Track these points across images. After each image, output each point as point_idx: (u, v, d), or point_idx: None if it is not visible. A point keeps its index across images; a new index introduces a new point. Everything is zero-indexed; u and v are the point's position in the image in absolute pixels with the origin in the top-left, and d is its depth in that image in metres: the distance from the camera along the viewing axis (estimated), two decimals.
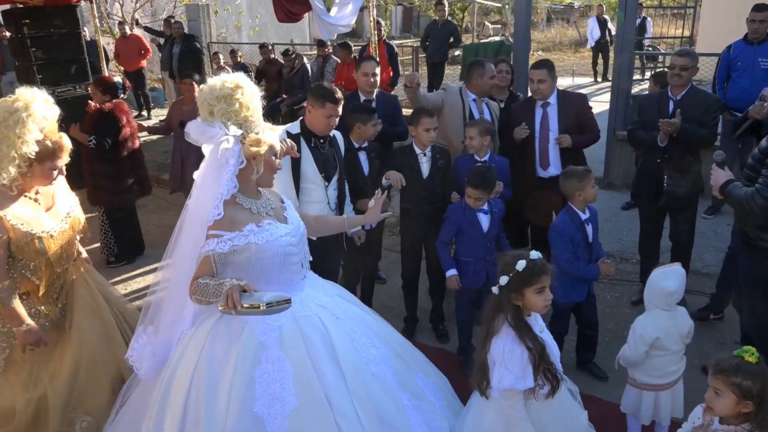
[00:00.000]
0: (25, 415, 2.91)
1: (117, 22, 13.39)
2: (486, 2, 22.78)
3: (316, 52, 10.34)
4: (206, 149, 2.55)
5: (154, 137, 9.46)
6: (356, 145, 4.28)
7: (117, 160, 5.57)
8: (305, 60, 10.09)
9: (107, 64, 9.43)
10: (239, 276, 2.48)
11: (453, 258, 4.05)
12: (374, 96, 4.89)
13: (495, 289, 2.59)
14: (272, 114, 9.04)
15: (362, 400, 2.54)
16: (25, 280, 2.89)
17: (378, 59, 5.55)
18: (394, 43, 10.29)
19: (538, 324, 2.63)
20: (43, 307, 3.01)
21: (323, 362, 2.54)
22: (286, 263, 2.63)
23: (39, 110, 2.74)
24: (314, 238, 3.15)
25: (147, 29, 12.64)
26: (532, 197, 4.72)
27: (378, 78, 4.86)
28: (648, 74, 12.96)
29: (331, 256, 3.85)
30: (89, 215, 3.37)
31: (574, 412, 2.75)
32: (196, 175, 2.60)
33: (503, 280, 2.53)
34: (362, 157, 4.32)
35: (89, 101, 5.74)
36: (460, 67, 12.00)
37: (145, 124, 7.23)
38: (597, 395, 3.68)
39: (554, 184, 4.55)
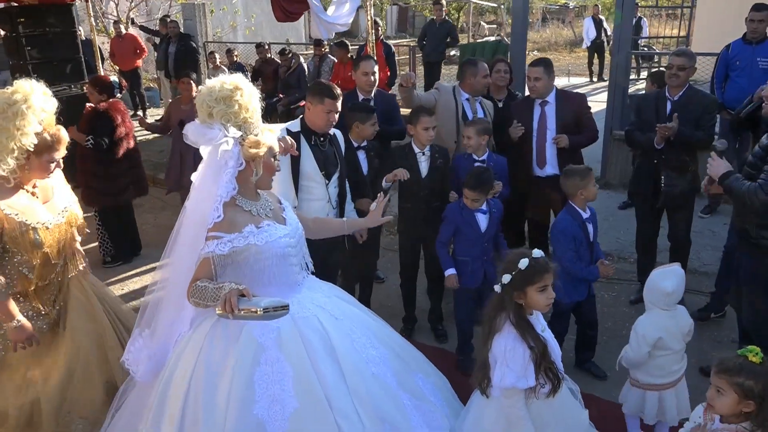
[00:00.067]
0: (17, 419, 2.88)
1: (112, 21, 13.35)
2: (481, 2, 22.81)
3: (311, 51, 10.34)
4: (204, 151, 2.54)
5: (150, 136, 9.42)
6: (355, 144, 4.28)
7: (112, 159, 5.54)
8: (302, 59, 10.08)
9: (102, 63, 9.40)
10: (238, 277, 2.47)
11: (451, 257, 4.04)
12: (372, 95, 4.88)
13: (497, 288, 2.58)
14: (269, 113, 9.03)
15: (363, 401, 2.53)
16: (21, 277, 2.87)
17: (375, 59, 5.54)
18: (389, 42, 10.27)
19: (539, 323, 2.63)
20: (41, 308, 2.98)
21: (323, 363, 2.53)
22: (285, 264, 2.62)
23: (38, 102, 2.73)
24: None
25: (143, 28, 12.60)
26: (530, 196, 4.73)
27: (377, 77, 4.85)
28: (643, 74, 13.01)
29: (332, 254, 3.83)
30: (87, 215, 3.34)
31: (574, 411, 2.74)
32: (194, 177, 2.59)
33: (506, 278, 2.52)
34: (361, 156, 4.31)
35: (87, 104, 5.70)
36: (457, 66, 11.99)
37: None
38: (596, 394, 3.69)
39: (551, 184, 4.57)
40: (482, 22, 25.28)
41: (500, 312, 2.56)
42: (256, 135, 2.56)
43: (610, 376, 3.84)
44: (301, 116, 3.83)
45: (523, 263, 2.48)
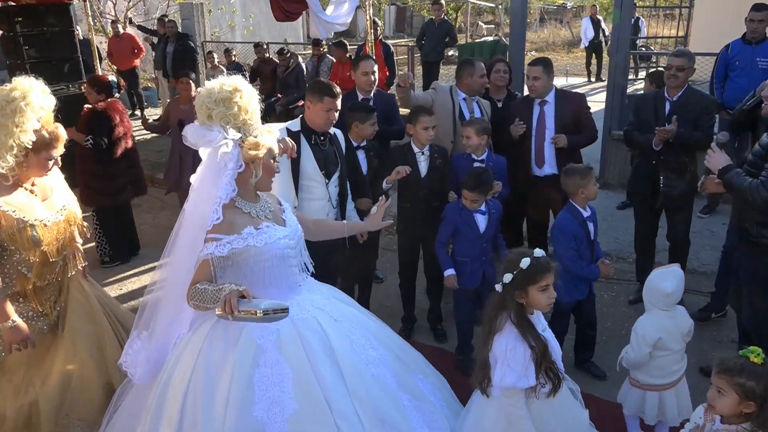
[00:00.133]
0: (15, 421, 2.87)
1: (110, 20, 13.32)
2: (479, 2, 22.82)
3: (309, 51, 10.33)
4: (203, 153, 2.53)
5: (149, 136, 9.41)
6: (354, 144, 4.28)
7: (111, 159, 5.53)
8: (300, 59, 10.07)
9: (100, 63, 9.38)
10: (238, 279, 2.46)
11: (450, 258, 4.04)
12: (372, 95, 4.88)
13: (498, 287, 2.58)
14: (267, 113, 9.01)
15: (363, 402, 2.53)
16: (20, 276, 2.85)
17: (374, 58, 5.54)
18: (387, 42, 10.27)
19: (540, 322, 2.63)
20: (41, 308, 2.97)
21: (322, 365, 2.52)
22: (284, 266, 2.62)
23: (36, 99, 2.72)
24: None
25: (141, 28, 12.58)
26: (529, 196, 4.72)
27: (377, 77, 4.85)
28: (641, 74, 13.04)
29: (332, 255, 3.83)
30: (84, 215, 3.33)
31: (575, 411, 2.74)
32: (192, 179, 2.58)
33: (507, 277, 2.52)
34: (360, 155, 4.31)
35: (86, 105, 5.68)
36: (455, 66, 11.99)
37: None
38: (595, 394, 3.69)
39: (550, 183, 4.57)
40: (480, 22, 25.29)
41: (501, 311, 2.56)
42: (255, 137, 2.55)
43: (609, 376, 3.84)
44: (301, 115, 3.83)
45: (525, 262, 2.48)
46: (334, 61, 9.30)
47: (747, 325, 3.59)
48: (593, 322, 3.95)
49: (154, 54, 11.85)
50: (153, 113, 12.26)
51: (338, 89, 3.75)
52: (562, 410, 2.63)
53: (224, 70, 10.11)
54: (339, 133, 3.97)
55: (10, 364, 2.89)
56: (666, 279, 3.07)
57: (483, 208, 3.92)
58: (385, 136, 4.82)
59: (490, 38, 16.96)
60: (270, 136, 2.64)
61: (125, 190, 5.73)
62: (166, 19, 11.14)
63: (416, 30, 24.33)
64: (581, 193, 3.69)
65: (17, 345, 2.79)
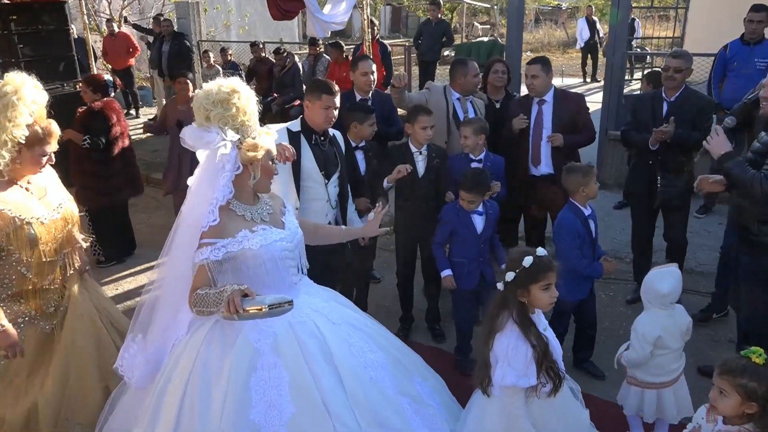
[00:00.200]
0: (15, 424, 2.84)
1: (105, 19, 13.26)
2: (474, 3, 22.83)
3: (305, 51, 10.31)
4: (201, 155, 2.52)
5: (144, 135, 9.37)
6: (353, 144, 4.26)
7: (108, 159, 5.50)
8: (296, 59, 10.05)
9: (95, 62, 9.33)
10: (237, 281, 2.44)
11: (447, 258, 4.03)
12: (370, 95, 4.87)
13: (500, 286, 2.57)
14: (263, 113, 8.97)
15: (361, 406, 2.52)
16: (20, 276, 2.82)
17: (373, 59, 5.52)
18: (384, 42, 10.27)
19: (541, 322, 2.62)
20: (44, 309, 2.94)
21: (319, 368, 2.51)
22: (281, 268, 2.60)
23: (29, 94, 2.69)
24: None
25: (136, 27, 12.53)
26: (527, 196, 4.72)
27: (375, 77, 4.84)
28: (636, 75, 13.07)
29: (333, 257, 3.82)
30: (79, 215, 3.31)
31: (575, 410, 2.74)
32: (190, 181, 2.57)
33: (509, 276, 2.51)
34: (359, 156, 4.30)
35: (82, 107, 5.65)
36: None
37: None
38: (594, 394, 3.68)
39: (546, 183, 4.57)
40: (476, 23, 25.32)
41: (503, 310, 2.55)
42: (253, 138, 2.54)
43: (608, 375, 3.84)
44: (301, 116, 3.81)
45: (528, 261, 2.47)
46: (331, 60, 9.28)
47: (746, 325, 3.60)
48: (594, 322, 3.95)
49: (149, 53, 11.81)
50: (148, 113, 12.22)
51: (336, 87, 3.74)
52: (563, 410, 2.63)
53: (220, 69, 10.09)
54: (338, 134, 3.96)
55: (13, 367, 2.87)
56: (663, 279, 3.08)
57: (480, 208, 3.91)
58: (383, 137, 4.81)
59: (486, 38, 17.00)
60: (268, 137, 2.63)
61: (122, 190, 5.71)
62: (162, 18, 11.11)
63: (411, 30, 24.36)
64: (582, 192, 3.69)
65: (4, 351, 2.75)
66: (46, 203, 2.91)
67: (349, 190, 4.06)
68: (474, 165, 4.27)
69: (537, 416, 2.56)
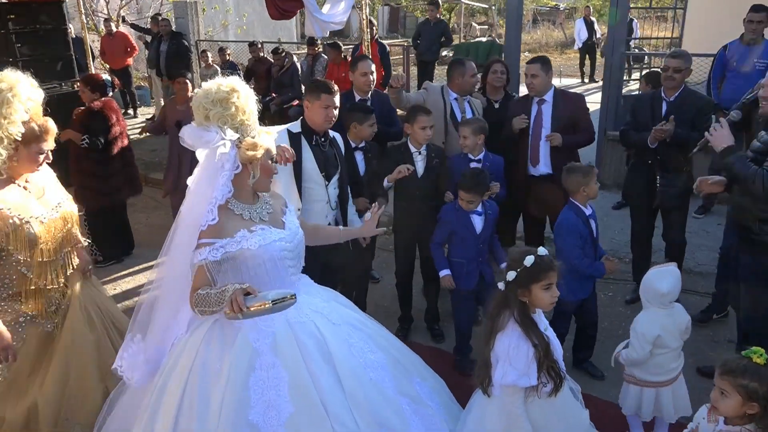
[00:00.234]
0: (15, 424, 2.83)
1: (102, 19, 13.24)
2: (472, 3, 22.84)
3: (303, 50, 10.30)
4: (201, 154, 2.51)
5: (142, 135, 9.34)
6: (353, 145, 4.26)
7: (107, 159, 5.49)
8: (295, 59, 10.03)
9: (93, 61, 9.30)
10: (237, 281, 2.44)
11: (446, 258, 4.03)
12: (369, 96, 4.87)
13: (501, 285, 2.57)
14: (261, 113, 8.95)
15: (360, 406, 2.51)
16: (20, 276, 2.81)
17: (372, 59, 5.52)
18: (383, 42, 10.26)
19: (542, 322, 2.62)
20: (46, 308, 2.92)
21: (318, 368, 2.50)
22: (281, 268, 2.60)
23: (24, 91, 2.69)
24: None
25: (134, 26, 12.51)
26: (525, 195, 4.71)
27: (374, 77, 4.84)
28: (634, 75, 13.08)
29: (335, 258, 3.81)
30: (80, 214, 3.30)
31: (576, 411, 2.74)
32: (189, 180, 2.56)
33: (510, 275, 2.51)
34: (359, 157, 4.29)
35: (80, 107, 5.63)
36: None
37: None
38: (593, 394, 3.68)
39: (545, 183, 4.57)
40: (473, 23, 25.33)
41: (504, 310, 2.54)
42: (253, 137, 2.53)
43: (607, 376, 3.84)
44: (301, 117, 3.81)
45: (529, 260, 2.47)
46: (329, 61, 9.27)
47: (745, 325, 3.60)
48: (595, 322, 3.95)
49: (147, 53, 11.78)
50: (146, 112, 12.20)
51: (335, 87, 3.74)
52: (563, 410, 2.62)
53: (218, 69, 10.07)
54: (338, 136, 3.95)
55: (14, 367, 2.85)
56: (663, 278, 3.08)
57: (479, 208, 3.91)
58: (383, 138, 4.80)
59: (484, 39, 17.01)
60: (268, 137, 2.62)
61: (121, 190, 5.70)
62: (160, 18, 11.09)
63: (409, 30, 24.37)
64: (583, 191, 3.68)
65: None
66: (45, 202, 2.90)
67: (349, 191, 4.05)
68: (473, 165, 4.26)
69: (538, 416, 2.55)
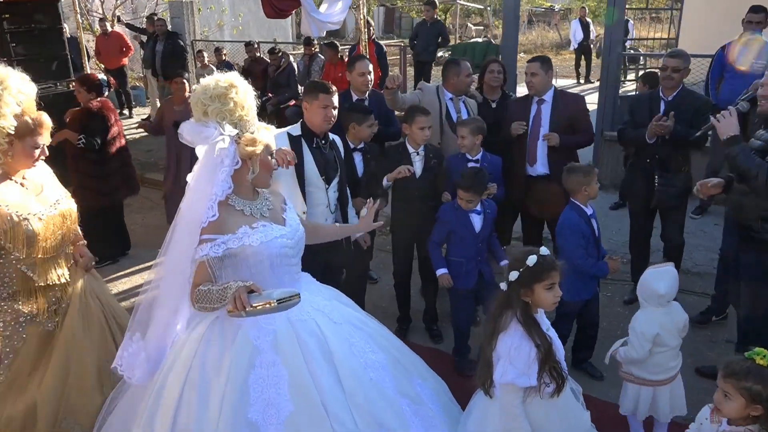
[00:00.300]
0: (14, 423, 2.80)
1: (97, 18, 13.19)
2: (468, 4, 22.86)
3: (299, 51, 10.28)
4: (200, 150, 2.49)
5: (137, 135, 9.33)
6: (352, 146, 4.24)
7: (104, 159, 5.46)
8: (291, 58, 10.01)
9: (88, 61, 9.26)
10: (236, 278, 2.43)
11: (444, 258, 4.02)
12: (367, 96, 4.85)
13: (503, 285, 2.55)
14: (258, 113, 8.93)
15: (359, 406, 2.50)
16: (20, 274, 2.78)
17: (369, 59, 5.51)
18: (380, 42, 10.26)
19: (544, 322, 2.61)
20: (47, 306, 2.90)
21: (319, 367, 2.49)
22: (282, 265, 2.58)
23: (14, 84, 2.66)
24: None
25: (129, 26, 12.46)
26: (527, 195, 4.71)
27: (372, 77, 4.82)
28: (630, 76, 13.12)
29: (335, 257, 3.80)
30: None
31: (577, 412, 2.72)
32: (189, 177, 2.54)
33: (513, 275, 2.50)
34: (357, 158, 4.28)
35: (75, 108, 5.59)
36: None
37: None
38: (593, 395, 3.67)
39: (543, 183, 4.56)
40: (469, 24, 25.35)
41: (506, 310, 2.53)
42: (252, 133, 2.52)
43: (606, 376, 3.84)
44: (301, 120, 3.79)
45: (532, 260, 2.46)
46: (326, 61, 9.25)
47: (745, 324, 3.60)
48: (596, 322, 3.95)
49: (142, 52, 11.74)
50: (141, 113, 12.16)
51: (333, 87, 3.72)
52: (565, 411, 2.61)
53: (214, 69, 10.01)
54: (338, 139, 3.94)
55: (15, 367, 2.83)
56: (660, 279, 3.07)
57: (478, 208, 3.91)
58: (381, 138, 4.79)
59: (481, 39, 17.03)
60: (267, 132, 2.61)
61: (119, 190, 5.68)
62: (156, 18, 11.04)
63: (405, 31, 24.38)
64: (584, 191, 3.68)
65: None
66: (43, 199, 2.88)
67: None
68: (471, 165, 4.25)
69: (539, 417, 2.54)
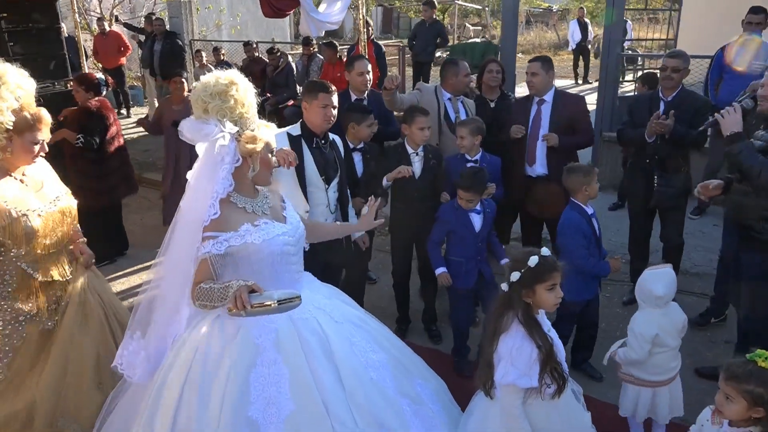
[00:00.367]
0: (12, 421, 2.79)
1: (95, 18, 13.16)
2: (466, 4, 22.85)
3: (297, 51, 10.27)
4: (200, 148, 2.49)
5: (135, 135, 9.31)
6: (351, 146, 4.23)
7: (102, 158, 5.45)
8: (290, 58, 10.00)
9: (86, 60, 9.24)
10: (237, 276, 2.42)
11: (444, 258, 4.02)
12: (365, 95, 4.84)
13: (504, 286, 2.55)
14: (257, 112, 8.93)
15: (360, 406, 2.50)
16: (20, 272, 2.77)
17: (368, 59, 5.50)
18: (379, 42, 10.25)
19: (545, 323, 2.61)
20: (47, 306, 2.89)
21: (320, 366, 2.49)
22: (283, 263, 2.58)
23: (13, 79, 2.66)
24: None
25: (127, 26, 12.44)
26: (526, 195, 4.70)
27: (371, 77, 4.82)
28: (628, 77, 13.12)
29: (335, 257, 3.79)
30: None
31: (577, 413, 2.72)
32: (189, 175, 2.53)
33: (514, 276, 2.49)
34: (357, 158, 4.27)
35: (73, 107, 5.57)
36: None
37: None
38: (592, 395, 3.66)
39: (542, 184, 4.56)
40: (467, 24, 25.36)
41: (507, 311, 2.53)
42: (252, 130, 2.52)
43: (605, 377, 3.83)
44: (301, 120, 3.78)
45: (533, 261, 2.46)
46: (325, 60, 9.24)
47: (745, 324, 3.60)
48: (596, 322, 3.95)
49: (140, 52, 11.72)
50: (139, 112, 12.13)
51: (333, 86, 3.72)
52: (565, 412, 2.61)
53: (212, 69, 10.00)
54: (338, 139, 3.93)
55: (14, 366, 2.83)
56: (658, 281, 3.07)
57: (478, 207, 3.90)
58: (380, 137, 4.78)
59: (479, 40, 17.03)
60: (267, 130, 2.61)
61: (118, 189, 5.67)
62: (154, 17, 11.02)
63: (403, 31, 24.37)
64: (584, 191, 3.68)
65: None
66: (43, 196, 2.87)
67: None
68: (470, 165, 4.25)
69: (540, 418, 2.54)
